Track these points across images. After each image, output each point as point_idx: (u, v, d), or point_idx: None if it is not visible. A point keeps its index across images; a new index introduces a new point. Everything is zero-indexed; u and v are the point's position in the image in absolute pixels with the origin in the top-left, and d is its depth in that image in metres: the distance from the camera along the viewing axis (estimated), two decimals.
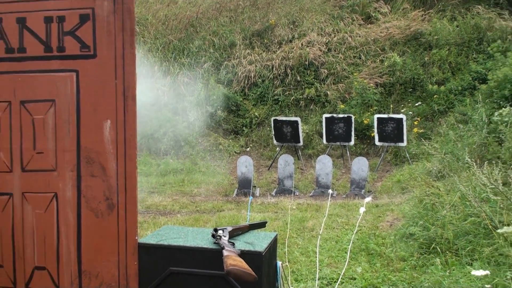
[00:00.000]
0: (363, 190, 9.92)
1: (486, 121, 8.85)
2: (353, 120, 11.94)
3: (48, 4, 2.90)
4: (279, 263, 3.31)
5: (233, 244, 2.90)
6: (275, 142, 12.61)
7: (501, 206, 4.87)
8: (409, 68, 13.63)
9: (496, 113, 8.50)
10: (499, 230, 4.45)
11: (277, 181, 10.74)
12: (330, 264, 5.98)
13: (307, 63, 14.45)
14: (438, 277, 4.88)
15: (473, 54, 13.64)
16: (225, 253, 2.72)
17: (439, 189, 7.05)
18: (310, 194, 10.14)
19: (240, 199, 9.70)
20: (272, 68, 14.65)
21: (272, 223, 7.76)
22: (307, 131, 13.12)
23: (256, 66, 14.82)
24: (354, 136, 12.15)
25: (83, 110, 2.90)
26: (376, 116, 11.76)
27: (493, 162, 6.45)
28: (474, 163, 5.12)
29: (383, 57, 14.26)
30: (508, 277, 4.21)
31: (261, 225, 3.44)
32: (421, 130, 12.24)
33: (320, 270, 5.66)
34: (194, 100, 13.93)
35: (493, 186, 4.64)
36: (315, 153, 12.59)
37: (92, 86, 2.89)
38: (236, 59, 15.20)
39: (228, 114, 14.22)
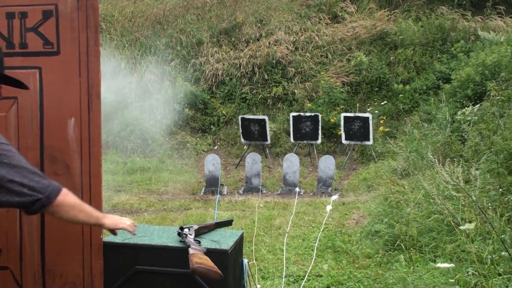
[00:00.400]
0: (329, 188, 10.00)
1: (450, 120, 9.02)
2: (320, 119, 12.03)
3: (10, 0, 2.85)
4: (245, 261, 3.32)
5: (199, 242, 2.90)
6: (242, 140, 12.63)
7: (463, 203, 4.96)
8: (375, 68, 13.79)
9: (459, 112, 8.66)
10: (461, 227, 4.54)
11: (245, 179, 10.75)
12: (297, 261, 6.02)
13: (274, 61, 14.49)
14: (402, 273, 4.95)
15: (437, 54, 13.88)
16: (190, 251, 2.71)
17: (404, 187, 7.15)
18: (278, 192, 10.18)
19: (207, 198, 9.68)
20: (240, 66, 14.65)
21: (240, 221, 7.77)
22: (275, 129, 13.17)
23: (223, 64, 14.80)
24: (321, 135, 12.24)
25: (46, 107, 2.86)
26: (343, 115, 11.87)
27: (456, 160, 6.58)
28: (437, 161, 5.21)
29: (350, 56, 14.40)
30: (469, 272, 4.30)
31: (228, 223, 3.44)
32: (387, 129, 12.41)
33: (287, 267, 5.69)
34: (161, 98, 13.84)
35: (455, 183, 4.73)
36: (283, 151, 12.65)
37: (55, 83, 2.85)
38: (204, 57, 15.15)
39: (195, 112, 14.17)
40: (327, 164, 10.23)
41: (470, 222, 4.60)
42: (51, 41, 2.84)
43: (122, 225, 2.59)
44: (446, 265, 4.36)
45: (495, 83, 8.50)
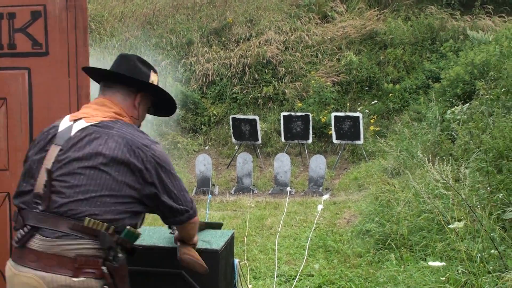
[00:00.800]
0: (321, 188, 10.03)
1: (439, 119, 9.06)
2: (310, 118, 12.05)
3: None
4: (236, 261, 3.32)
5: None
6: (233, 140, 12.63)
7: (453, 202, 4.99)
8: (365, 67, 13.83)
9: (448, 111, 8.70)
10: (450, 226, 4.56)
11: (236, 179, 10.75)
12: (289, 261, 6.03)
13: (265, 61, 14.50)
14: (393, 272, 4.97)
15: (426, 53, 13.94)
16: (179, 243, 2.73)
17: (394, 186, 7.19)
18: (269, 192, 10.19)
19: (199, 198, 9.68)
20: (230, 66, 14.64)
21: (231, 221, 7.77)
22: (266, 129, 13.17)
23: (214, 64, 14.79)
24: (312, 134, 12.26)
25: (35, 108, 2.85)
26: (333, 114, 11.90)
27: (446, 158, 6.62)
28: (427, 160, 5.23)
29: (340, 56, 14.43)
30: (459, 271, 4.32)
31: (218, 226, 3.43)
32: (377, 128, 12.45)
33: (279, 267, 5.71)
34: None
35: (444, 182, 4.75)
36: (274, 151, 12.66)
37: (44, 84, 2.84)
38: (194, 57, 15.14)
39: (186, 112, 14.16)
40: (318, 163, 10.25)
41: (459, 220, 4.63)
42: (40, 41, 2.83)
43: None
44: (437, 263, 4.38)
45: (484, 82, 8.55)
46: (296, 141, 12.38)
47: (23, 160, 2.42)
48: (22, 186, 2.33)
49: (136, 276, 2.83)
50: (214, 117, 14.07)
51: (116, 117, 2.41)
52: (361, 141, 11.61)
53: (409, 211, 6.04)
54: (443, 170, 4.73)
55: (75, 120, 2.38)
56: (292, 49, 14.84)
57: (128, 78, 2.48)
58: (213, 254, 2.86)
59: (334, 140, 11.96)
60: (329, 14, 15.85)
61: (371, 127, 12.49)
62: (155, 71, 2.65)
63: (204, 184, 10.23)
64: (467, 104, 8.59)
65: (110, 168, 2.22)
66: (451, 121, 8.07)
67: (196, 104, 14.31)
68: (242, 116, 12.51)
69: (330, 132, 12.38)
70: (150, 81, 2.58)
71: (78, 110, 2.84)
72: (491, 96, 7.76)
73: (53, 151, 2.29)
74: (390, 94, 13.16)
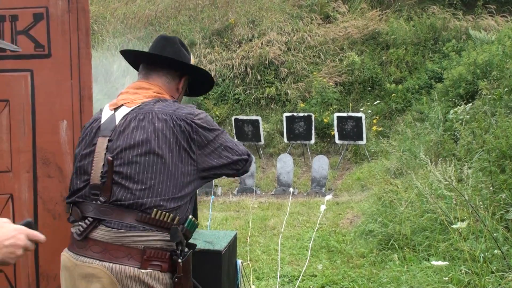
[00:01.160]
0: (323, 188, 10.02)
1: (442, 119, 9.05)
2: (313, 119, 12.05)
3: (0, 3, 2.85)
4: (239, 261, 3.33)
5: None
6: (236, 141, 12.62)
7: (456, 202, 4.99)
8: (367, 67, 13.82)
9: (451, 111, 8.69)
10: (453, 226, 4.56)
11: (239, 180, 10.76)
12: (292, 262, 6.03)
13: (267, 62, 14.50)
14: (396, 272, 4.97)
15: (429, 54, 13.93)
16: None
17: (397, 186, 7.18)
18: (272, 193, 10.19)
19: (201, 199, 9.68)
20: (233, 67, 14.65)
21: (234, 222, 7.77)
22: (268, 130, 13.18)
23: (216, 65, 14.80)
24: (315, 135, 12.26)
25: (38, 110, 2.86)
26: (336, 114, 11.90)
27: (449, 159, 6.61)
28: (430, 160, 5.23)
29: (342, 56, 14.43)
30: (462, 271, 4.32)
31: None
32: (380, 128, 12.44)
33: (282, 268, 5.71)
34: None
35: (447, 183, 4.75)
36: (276, 151, 12.66)
37: (47, 86, 2.85)
38: (196, 58, 15.15)
39: None
40: (320, 164, 10.24)
41: (462, 220, 4.62)
42: (42, 43, 2.83)
43: None
44: (440, 263, 4.38)
45: (487, 82, 8.54)
46: (298, 142, 12.38)
47: (72, 161, 2.41)
48: (76, 184, 2.32)
49: None
50: (217, 118, 14.08)
51: (157, 96, 2.40)
52: (364, 142, 11.60)
53: (412, 211, 6.04)
54: (446, 171, 4.73)
55: (115, 109, 2.37)
56: (295, 50, 14.84)
57: (176, 62, 2.49)
58: (216, 254, 2.86)
59: (337, 141, 11.96)
60: (331, 14, 15.85)
61: (374, 128, 12.48)
62: (191, 53, 2.67)
63: (207, 185, 10.23)
64: (470, 104, 8.58)
65: (163, 150, 2.21)
66: (454, 121, 8.06)
67: (198, 105, 14.33)
68: (244, 117, 12.51)
69: (332, 133, 12.38)
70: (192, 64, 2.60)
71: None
72: (494, 96, 7.75)
73: (102, 143, 2.28)
74: (393, 94, 13.16)
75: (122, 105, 2.37)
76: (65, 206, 2.48)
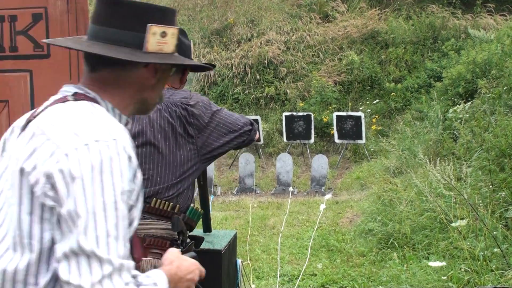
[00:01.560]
0: (323, 187, 10.03)
1: (441, 118, 9.06)
2: (312, 118, 12.05)
3: None
4: (239, 261, 3.33)
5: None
6: None
7: (455, 200, 5.00)
8: (366, 66, 13.83)
9: (450, 110, 8.70)
10: (453, 224, 4.58)
11: (238, 179, 10.76)
12: (291, 261, 6.04)
13: (266, 61, 14.50)
14: (396, 271, 4.98)
15: (428, 52, 13.93)
16: None
17: (397, 185, 7.19)
18: (271, 192, 10.19)
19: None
20: (232, 67, 14.65)
21: (234, 222, 7.78)
22: (268, 129, 13.18)
23: (215, 65, 14.80)
24: (314, 134, 12.26)
25: None
26: (335, 114, 11.90)
27: (448, 158, 6.62)
28: (428, 160, 5.24)
29: (341, 55, 14.43)
30: (462, 269, 4.32)
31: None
32: (379, 128, 12.44)
33: (281, 267, 5.71)
34: None
35: (446, 181, 4.76)
36: (276, 151, 12.66)
37: (46, 86, 2.85)
38: (195, 58, 15.15)
39: None
40: (320, 163, 10.25)
41: (462, 219, 4.63)
42: (41, 44, 2.84)
43: None
44: (438, 263, 4.39)
45: (486, 81, 8.54)
46: (298, 141, 12.38)
47: None
48: None
49: None
50: None
51: None
52: (363, 141, 11.61)
53: (412, 210, 6.04)
54: (445, 169, 4.74)
55: None
56: (294, 49, 14.84)
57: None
58: (216, 254, 2.86)
59: (336, 140, 11.96)
60: (330, 13, 15.85)
61: (373, 127, 12.48)
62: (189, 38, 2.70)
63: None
64: (469, 102, 8.59)
65: (159, 140, 2.24)
66: (453, 120, 8.07)
67: None
68: None
69: (332, 132, 12.38)
70: (192, 52, 2.63)
71: None
72: (493, 95, 7.75)
73: None
74: (392, 94, 13.16)
75: None
76: None
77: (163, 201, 2.20)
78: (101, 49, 1.41)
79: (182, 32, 2.61)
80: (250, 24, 15.89)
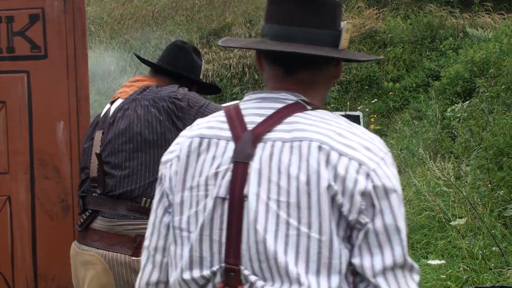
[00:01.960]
0: None
1: (440, 117, 9.06)
2: None
3: None
4: None
5: None
6: None
7: (453, 199, 5.00)
8: (364, 66, 13.82)
9: (449, 109, 8.70)
10: (452, 223, 4.58)
11: None
12: None
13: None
14: None
15: (426, 52, 13.93)
16: None
17: None
18: None
19: None
20: (230, 67, 14.64)
21: None
22: None
23: (213, 65, 14.79)
24: None
25: (35, 111, 2.86)
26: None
27: (447, 156, 6.62)
28: (428, 158, 5.24)
29: None
30: (461, 268, 4.33)
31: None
32: (378, 127, 12.43)
33: None
34: None
35: (445, 180, 4.76)
36: None
37: (43, 87, 2.85)
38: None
39: None
40: None
41: (460, 218, 4.63)
42: (39, 45, 2.83)
43: None
44: (437, 261, 4.39)
45: (484, 80, 8.54)
46: None
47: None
48: (81, 177, 2.44)
49: None
50: None
51: (148, 85, 2.44)
52: None
53: (410, 209, 6.04)
54: (444, 168, 4.74)
55: (112, 102, 2.45)
56: None
57: (186, 78, 2.56)
58: None
59: None
60: None
61: (372, 126, 12.47)
62: (202, 59, 2.75)
63: None
64: (467, 101, 8.59)
65: (146, 135, 2.26)
66: (452, 119, 8.07)
67: None
68: None
69: None
70: (202, 71, 2.69)
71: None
72: (491, 94, 7.75)
73: (98, 136, 2.37)
74: (390, 93, 13.16)
75: (118, 97, 2.43)
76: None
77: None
78: (310, 49, 1.36)
79: (196, 51, 2.63)
80: (248, 24, 15.89)
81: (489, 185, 5.28)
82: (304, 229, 1.22)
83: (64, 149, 2.86)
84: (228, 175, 1.29)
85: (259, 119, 1.33)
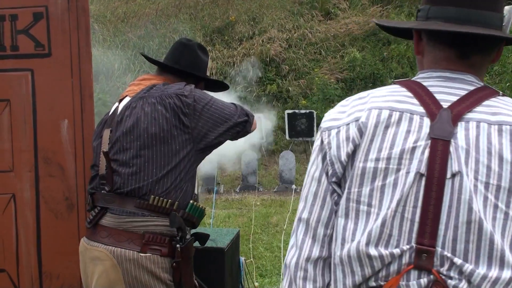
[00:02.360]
0: None
1: None
2: (315, 116, 12.03)
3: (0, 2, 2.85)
4: (242, 259, 3.33)
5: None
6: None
7: None
8: (368, 64, 13.81)
9: None
10: None
11: (241, 177, 10.76)
12: None
13: (268, 59, 14.49)
14: None
15: None
16: None
17: None
18: (274, 190, 10.19)
19: (204, 196, 9.69)
20: (234, 64, 14.64)
21: (237, 220, 7.78)
22: (270, 127, 13.17)
23: (217, 63, 14.79)
24: (316, 132, 12.23)
25: (39, 109, 2.86)
26: None
27: None
28: None
29: (343, 52, 14.41)
30: None
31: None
32: None
33: None
34: None
35: None
36: (278, 149, 12.65)
37: (47, 85, 2.85)
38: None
39: None
40: None
41: None
42: (42, 43, 2.83)
43: None
44: None
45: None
46: (300, 139, 12.37)
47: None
48: (91, 174, 2.46)
49: None
50: None
51: (155, 83, 2.46)
52: None
53: None
54: None
55: (120, 100, 2.47)
56: (296, 47, 14.83)
57: (190, 74, 2.57)
58: (219, 252, 2.87)
59: None
60: (332, 11, 15.83)
61: None
62: (209, 55, 2.75)
63: (209, 183, 10.23)
64: None
65: (152, 132, 2.28)
66: None
67: None
68: None
69: None
70: (208, 68, 2.70)
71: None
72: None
73: (106, 134, 2.39)
74: None
75: (126, 95, 2.45)
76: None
77: (161, 198, 2.23)
78: (499, 33, 1.32)
79: (201, 48, 2.64)
80: (252, 22, 15.88)
81: None
82: None
83: (69, 147, 2.86)
84: (427, 151, 1.24)
85: (453, 98, 1.29)
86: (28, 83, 2.85)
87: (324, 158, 1.36)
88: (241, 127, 2.46)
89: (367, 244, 1.24)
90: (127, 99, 2.44)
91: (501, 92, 1.34)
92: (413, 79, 1.41)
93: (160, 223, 2.24)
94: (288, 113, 12.22)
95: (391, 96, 1.36)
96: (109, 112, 2.51)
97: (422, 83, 1.35)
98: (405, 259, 1.22)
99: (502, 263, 1.18)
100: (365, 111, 1.33)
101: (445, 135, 1.23)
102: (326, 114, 1.44)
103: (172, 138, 2.27)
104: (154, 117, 2.28)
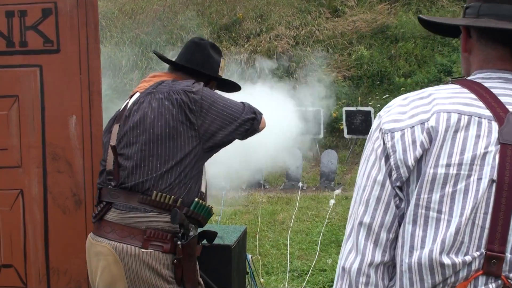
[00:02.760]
0: (332, 183, 10.01)
1: None
2: (322, 113, 12.01)
3: None
4: (248, 256, 3.33)
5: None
6: None
7: None
8: (376, 61, 13.76)
9: None
10: None
11: (247, 175, 10.74)
12: (301, 256, 6.03)
13: (275, 56, 14.47)
14: None
15: (438, 47, 13.84)
16: None
17: None
18: (280, 187, 10.18)
19: (211, 193, 9.67)
20: (241, 62, 14.63)
21: (243, 217, 7.78)
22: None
23: (224, 60, 14.78)
24: (323, 129, 12.22)
25: (47, 105, 2.87)
26: (345, 109, 11.85)
27: None
28: None
29: (351, 50, 14.37)
30: None
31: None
32: None
33: (291, 262, 5.70)
34: None
35: None
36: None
37: (56, 81, 2.85)
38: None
39: None
40: (329, 158, 10.22)
41: None
42: (51, 39, 2.84)
43: None
44: None
45: None
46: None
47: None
48: (100, 169, 2.49)
49: None
50: None
51: (164, 80, 2.47)
52: None
53: None
54: None
55: (131, 96, 2.49)
56: (303, 44, 14.80)
57: (202, 73, 2.57)
58: (226, 249, 2.87)
59: (346, 135, 11.92)
60: (340, 8, 15.78)
61: None
62: (222, 55, 2.75)
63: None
64: None
65: (158, 127, 2.29)
66: None
67: None
68: None
69: (341, 127, 12.34)
70: (220, 68, 2.67)
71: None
72: None
73: (115, 129, 2.41)
74: (402, 88, 13.08)
75: (137, 92, 2.47)
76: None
77: (164, 194, 2.24)
78: None
79: (213, 47, 2.64)
80: (259, 19, 15.85)
81: None
82: None
83: (77, 143, 2.86)
84: (497, 157, 1.22)
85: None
86: (37, 79, 2.86)
87: (387, 161, 1.35)
88: (248, 124, 2.44)
89: (441, 252, 1.23)
90: (136, 95, 2.45)
91: None
92: (470, 78, 1.39)
93: (163, 219, 2.24)
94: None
95: (456, 98, 1.32)
96: (120, 108, 2.52)
97: (483, 84, 1.33)
98: (475, 266, 1.22)
99: None
100: (433, 114, 1.30)
101: None
102: (382, 114, 1.43)
103: (178, 133, 2.27)
104: (160, 112, 2.28)
